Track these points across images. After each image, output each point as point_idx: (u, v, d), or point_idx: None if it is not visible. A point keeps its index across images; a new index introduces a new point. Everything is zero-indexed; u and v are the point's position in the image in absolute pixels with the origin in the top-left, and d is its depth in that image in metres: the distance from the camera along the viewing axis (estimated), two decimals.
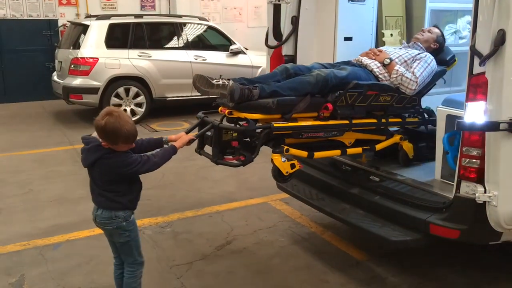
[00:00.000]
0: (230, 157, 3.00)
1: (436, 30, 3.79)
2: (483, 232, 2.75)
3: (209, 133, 3.06)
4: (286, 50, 3.99)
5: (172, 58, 8.40)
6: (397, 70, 3.42)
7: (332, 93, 3.13)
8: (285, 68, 3.29)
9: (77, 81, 7.91)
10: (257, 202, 4.78)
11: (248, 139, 3.07)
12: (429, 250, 3.68)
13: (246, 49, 9.20)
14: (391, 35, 4.32)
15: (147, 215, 4.36)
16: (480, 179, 2.67)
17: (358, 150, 3.40)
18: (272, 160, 3.03)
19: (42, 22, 10.40)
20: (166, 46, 8.77)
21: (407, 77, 3.38)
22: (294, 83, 3.09)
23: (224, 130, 2.96)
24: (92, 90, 7.86)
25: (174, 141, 2.75)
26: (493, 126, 2.51)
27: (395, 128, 3.74)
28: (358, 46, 3.96)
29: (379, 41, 4.30)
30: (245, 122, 3.01)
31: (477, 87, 2.58)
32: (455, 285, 3.31)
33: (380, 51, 3.56)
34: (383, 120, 3.43)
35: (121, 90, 8.00)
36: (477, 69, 2.57)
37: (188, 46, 8.73)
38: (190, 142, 2.79)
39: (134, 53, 8.16)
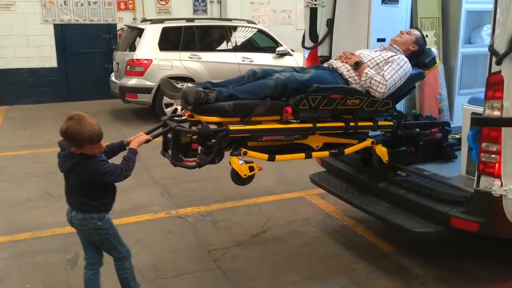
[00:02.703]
0: (190, 159, 3.04)
1: (416, 32, 3.73)
2: (501, 225, 2.86)
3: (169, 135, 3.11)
4: (322, 51, 4.20)
5: (220, 60, 8.77)
6: (366, 73, 3.37)
7: (293, 96, 3.13)
8: (253, 72, 3.29)
9: (133, 81, 8.44)
10: (294, 196, 5.01)
11: (209, 142, 3.07)
12: (457, 244, 3.78)
13: (293, 50, 9.43)
14: (426, 36, 4.41)
15: (190, 205, 4.71)
16: (499, 174, 2.79)
17: (325, 154, 3.37)
18: (230, 162, 3.05)
19: (102, 26, 11.11)
20: (215, 48, 9.16)
21: (376, 80, 3.33)
22: (253, 87, 3.11)
23: (182, 132, 3.00)
24: (146, 90, 8.37)
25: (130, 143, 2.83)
26: (508, 122, 2.62)
27: (378, 133, 3.73)
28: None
29: None
30: (200, 125, 3.03)
31: (495, 85, 2.71)
32: (481, 278, 3.40)
33: (353, 54, 3.54)
34: (352, 124, 3.36)
35: None
36: (494, 68, 2.69)
37: (236, 48, 9.08)
38: (147, 141, 2.87)
39: (185, 55, 8.60)
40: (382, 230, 4.09)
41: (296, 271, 3.49)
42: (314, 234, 4.10)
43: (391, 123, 3.57)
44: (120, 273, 2.89)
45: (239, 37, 9.29)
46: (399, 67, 3.41)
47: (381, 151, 3.49)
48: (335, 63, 3.52)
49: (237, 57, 8.87)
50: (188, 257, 3.70)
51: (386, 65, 3.44)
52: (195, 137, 3.02)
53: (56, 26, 10.77)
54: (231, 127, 2.98)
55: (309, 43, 4.30)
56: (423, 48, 3.74)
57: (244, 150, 3.02)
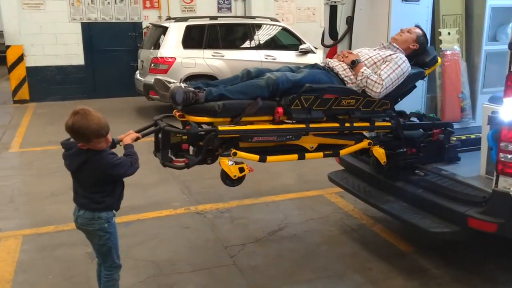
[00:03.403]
0: (180, 159, 3.00)
1: (417, 30, 3.62)
2: None
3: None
4: (341, 48, 4.18)
5: (243, 57, 8.80)
6: (362, 72, 3.28)
7: (285, 96, 3.06)
8: (247, 72, 3.24)
9: (160, 77, 8.53)
10: (313, 194, 5.01)
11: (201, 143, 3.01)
12: (476, 246, 3.72)
13: (316, 48, 9.38)
14: (449, 33, 4.35)
15: (209, 201, 4.76)
16: None
17: (319, 155, 3.28)
18: (219, 163, 3.01)
19: (128, 25, 11.29)
20: (238, 46, 9.20)
21: (372, 79, 3.24)
22: (244, 87, 3.06)
23: (172, 133, 2.96)
24: None
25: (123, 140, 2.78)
26: None
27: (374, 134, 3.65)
28: None
29: (436, 40, 4.35)
30: (188, 125, 3.01)
31: None
32: (499, 280, 3.35)
33: (350, 52, 3.47)
34: (347, 124, 3.27)
35: None
36: None
37: (259, 46, 9.10)
38: (136, 139, 2.82)
39: (208, 53, 8.67)
40: (400, 229, 4.06)
41: (312, 269, 3.50)
42: (331, 233, 4.10)
43: (389, 123, 3.47)
44: (108, 284, 2.79)
45: (262, 35, 9.31)
46: (396, 66, 3.33)
47: (379, 152, 3.43)
48: (331, 62, 3.45)
49: (260, 55, 8.89)
50: (205, 253, 3.75)
51: (384, 64, 3.36)
52: (185, 137, 2.98)
53: (83, 25, 10.99)
54: (220, 128, 2.94)
55: (328, 40, 4.30)
56: (425, 46, 3.65)
57: (234, 150, 2.96)
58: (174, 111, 3.10)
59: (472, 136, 3.96)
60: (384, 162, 3.44)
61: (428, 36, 4.21)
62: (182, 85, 2.97)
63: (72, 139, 2.60)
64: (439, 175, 3.43)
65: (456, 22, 4.44)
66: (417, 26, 3.67)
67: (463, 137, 3.78)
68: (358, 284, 3.30)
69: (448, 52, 4.26)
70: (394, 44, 3.58)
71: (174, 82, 3.04)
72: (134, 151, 2.72)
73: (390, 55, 3.42)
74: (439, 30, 4.34)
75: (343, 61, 3.41)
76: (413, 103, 4.14)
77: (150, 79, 8.57)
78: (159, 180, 5.36)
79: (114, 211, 2.74)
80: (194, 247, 3.86)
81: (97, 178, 2.61)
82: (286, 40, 9.50)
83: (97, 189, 2.63)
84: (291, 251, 3.78)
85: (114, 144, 2.80)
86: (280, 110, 3.04)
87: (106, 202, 2.65)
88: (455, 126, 4.31)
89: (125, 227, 4.23)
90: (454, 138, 3.78)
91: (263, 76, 3.14)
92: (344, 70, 3.36)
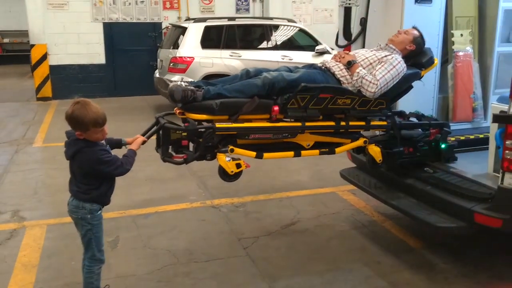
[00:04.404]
0: (179, 155, 3.10)
1: (414, 32, 3.70)
2: None
3: None
4: (355, 49, 4.29)
5: (260, 57, 8.93)
6: (358, 72, 3.38)
7: (282, 95, 3.17)
8: (246, 71, 3.36)
9: (175, 78, 8.73)
10: (326, 191, 5.12)
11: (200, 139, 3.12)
12: (485, 242, 3.81)
13: (332, 49, 9.48)
14: (461, 35, 4.43)
15: (224, 196, 4.92)
16: None
17: (315, 152, 3.38)
18: (217, 159, 3.13)
19: (148, 25, 11.53)
20: (255, 46, 9.35)
21: (367, 80, 3.34)
22: (241, 86, 3.18)
23: (172, 129, 3.05)
24: None
25: (130, 144, 2.92)
26: None
27: (378, 132, 3.74)
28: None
29: (448, 42, 4.43)
30: (186, 122, 3.12)
31: None
32: (506, 276, 3.42)
33: (347, 53, 3.58)
34: (343, 123, 3.36)
35: None
36: None
37: (276, 46, 9.24)
38: (143, 143, 2.94)
39: (226, 53, 8.84)
40: (411, 226, 4.15)
41: (322, 262, 3.63)
42: (342, 228, 4.22)
43: (384, 123, 3.56)
44: (86, 276, 2.87)
45: (279, 35, 9.44)
46: (391, 67, 3.41)
47: (374, 151, 3.50)
48: (328, 62, 3.56)
49: (277, 55, 9.03)
50: (219, 244, 3.90)
51: (379, 64, 3.45)
52: (184, 134, 3.07)
53: (105, 24, 11.27)
54: (218, 125, 3.05)
55: (342, 41, 4.42)
56: (422, 47, 3.72)
57: (231, 147, 3.08)
58: (175, 108, 3.22)
59: (481, 136, 4.04)
60: (380, 160, 3.52)
61: (441, 38, 4.32)
62: (183, 83, 3.10)
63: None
64: (448, 173, 3.53)
65: (469, 24, 4.52)
66: (414, 28, 3.76)
67: (462, 138, 3.85)
68: (366, 276, 3.42)
69: (461, 53, 4.34)
70: (391, 45, 3.67)
71: (174, 82, 3.17)
72: (133, 156, 2.82)
73: (385, 56, 3.52)
74: (452, 31, 4.42)
75: (340, 62, 3.52)
76: (424, 103, 4.24)
77: (169, 78, 8.77)
78: (177, 176, 5.54)
79: (99, 206, 2.82)
80: (209, 238, 4.01)
81: (85, 171, 2.71)
82: (302, 40, 9.62)
83: (85, 181, 2.73)
84: (303, 244, 3.91)
85: (120, 144, 2.96)
86: (276, 108, 3.15)
87: (91, 194, 2.75)
88: (467, 126, 4.42)
89: (144, 218, 4.42)
90: (453, 138, 3.84)
91: (260, 75, 3.25)
92: (341, 70, 3.46)
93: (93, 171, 2.70)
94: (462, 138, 3.97)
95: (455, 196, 3.26)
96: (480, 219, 3.06)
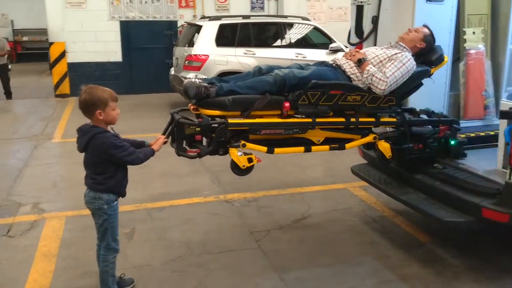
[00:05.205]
0: (193, 150, 3.17)
1: (424, 30, 3.75)
2: None
3: None
4: (366, 47, 4.35)
5: (274, 55, 9.00)
6: (368, 70, 3.43)
7: (292, 92, 3.25)
8: (258, 69, 3.44)
9: (190, 76, 8.86)
10: (338, 187, 5.19)
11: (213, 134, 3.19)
12: (495, 237, 3.84)
13: (346, 47, 9.51)
14: (474, 33, 4.45)
15: (237, 191, 5.02)
16: None
17: (325, 148, 3.44)
18: (229, 153, 3.21)
19: (164, 23, 11.70)
20: (269, 44, 9.44)
21: (376, 77, 3.39)
22: (253, 83, 3.26)
23: (186, 125, 3.13)
24: None
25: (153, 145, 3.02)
26: None
27: (389, 129, 3.78)
28: (436, 43, 4.16)
29: (460, 40, 4.46)
30: (200, 118, 3.22)
31: None
32: None
33: (357, 51, 3.63)
34: (353, 119, 3.42)
35: None
36: None
37: (290, 44, 9.31)
38: (164, 143, 3.07)
39: (240, 51, 8.94)
40: (421, 222, 4.20)
41: (332, 255, 3.71)
42: (352, 223, 4.29)
43: (394, 119, 3.62)
44: (102, 264, 2.99)
45: (293, 33, 9.51)
46: (401, 65, 3.47)
47: (384, 146, 3.56)
48: (339, 60, 3.63)
49: (291, 53, 9.10)
50: (232, 237, 4.00)
51: (389, 62, 3.52)
52: (198, 129, 3.15)
53: (121, 23, 11.47)
54: (230, 120, 3.14)
55: (354, 39, 4.48)
56: (432, 45, 3.77)
57: (243, 142, 3.16)
58: (189, 104, 3.33)
59: (492, 133, 4.06)
60: (389, 156, 3.58)
61: (452, 36, 4.35)
62: (197, 80, 3.21)
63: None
64: (457, 168, 3.57)
65: (482, 22, 4.53)
66: (425, 26, 3.81)
67: (473, 135, 3.89)
68: (375, 269, 3.49)
69: (472, 51, 4.36)
70: (401, 43, 3.72)
71: (188, 79, 3.25)
72: (150, 151, 2.95)
73: (395, 53, 3.58)
74: (464, 29, 4.45)
75: (350, 59, 3.59)
76: (435, 100, 4.28)
77: (184, 75, 8.91)
78: (191, 171, 5.66)
79: (116, 196, 2.94)
80: (222, 231, 4.12)
81: (99, 157, 2.81)
82: (317, 38, 9.68)
83: (99, 170, 2.84)
84: (313, 238, 3.99)
85: (143, 146, 3.04)
86: (287, 104, 3.22)
87: (108, 184, 2.87)
88: (478, 123, 4.45)
89: (159, 211, 4.54)
90: (463, 135, 3.88)
91: (272, 72, 3.34)
92: (351, 67, 3.53)
93: (106, 156, 2.79)
94: (473, 135, 4.01)
95: (463, 191, 3.31)
96: (487, 214, 3.10)
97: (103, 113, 2.81)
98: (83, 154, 2.95)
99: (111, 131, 2.91)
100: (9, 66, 13.27)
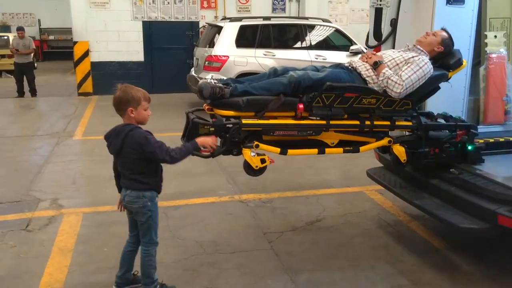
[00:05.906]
0: (207, 149, 3.14)
1: (442, 33, 3.69)
2: None
3: None
4: (385, 49, 4.31)
5: (294, 57, 9.00)
6: (384, 73, 3.40)
7: (307, 94, 3.23)
8: (274, 70, 3.45)
9: (208, 76, 8.91)
10: (353, 190, 5.17)
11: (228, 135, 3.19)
12: (509, 245, 3.77)
13: (366, 49, 9.44)
14: (495, 36, 4.38)
15: (252, 191, 5.04)
16: None
17: (339, 150, 3.43)
18: (242, 154, 3.22)
19: (186, 24, 11.80)
20: (289, 46, 9.44)
21: (392, 80, 3.35)
22: (268, 84, 3.26)
23: (200, 124, 3.17)
24: None
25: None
26: None
27: (405, 133, 3.73)
28: (455, 47, 4.11)
29: (481, 43, 4.39)
30: (214, 118, 3.25)
31: None
32: None
33: (374, 54, 3.61)
34: (367, 122, 3.39)
35: None
36: None
37: (310, 46, 9.29)
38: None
39: (260, 52, 8.96)
40: (436, 227, 4.15)
41: (345, 258, 3.69)
42: (367, 226, 4.26)
43: (409, 123, 3.58)
44: (145, 260, 3.04)
45: (314, 35, 9.49)
46: (418, 68, 3.43)
47: (399, 150, 3.53)
48: (355, 62, 3.61)
49: (310, 55, 9.08)
50: (245, 237, 4.02)
51: (406, 65, 3.48)
52: (212, 129, 3.17)
53: (144, 23, 11.61)
54: (244, 121, 3.15)
55: (373, 41, 4.44)
56: (450, 49, 3.72)
57: (256, 143, 3.17)
58: (204, 104, 3.36)
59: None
60: (404, 160, 3.54)
61: (472, 39, 4.28)
62: (212, 81, 3.23)
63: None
64: (473, 174, 3.51)
65: (504, 25, 4.46)
66: (443, 29, 3.75)
67: (491, 140, 3.82)
68: (388, 274, 3.46)
69: (494, 55, 4.29)
70: (418, 47, 3.68)
71: (204, 79, 3.26)
72: (189, 147, 2.96)
73: (412, 57, 3.53)
74: (485, 33, 4.38)
75: (366, 62, 3.56)
76: (454, 104, 4.21)
77: (204, 76, 8.98)
78: (207, 171, 5.69)
79: (156, 193, 3.01)
80: (235, 231, 4.14)
81: (136, 154, 2.83)
82: (337, 40, 9.64)
83: (138, 170, 2.89)
84: (327, 240, 3.98)
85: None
86: (302, 106, 3.21)
87: (150, 183, 2.94)
88: (498, 128, 4.37)
89: (174, 210, 4.59)
90: (481, 141, 3.80)
91: (287, 74, 3.34)
92: (367, 70, 3.50)
93: (143, 153, 2.82)
94: (492, 140, 3.94)
95: (479, 198, 3.26)
96: (503, 221, 3.05)
97: (135, 111, 2.86)
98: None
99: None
100: (35, 65, 13.57)
